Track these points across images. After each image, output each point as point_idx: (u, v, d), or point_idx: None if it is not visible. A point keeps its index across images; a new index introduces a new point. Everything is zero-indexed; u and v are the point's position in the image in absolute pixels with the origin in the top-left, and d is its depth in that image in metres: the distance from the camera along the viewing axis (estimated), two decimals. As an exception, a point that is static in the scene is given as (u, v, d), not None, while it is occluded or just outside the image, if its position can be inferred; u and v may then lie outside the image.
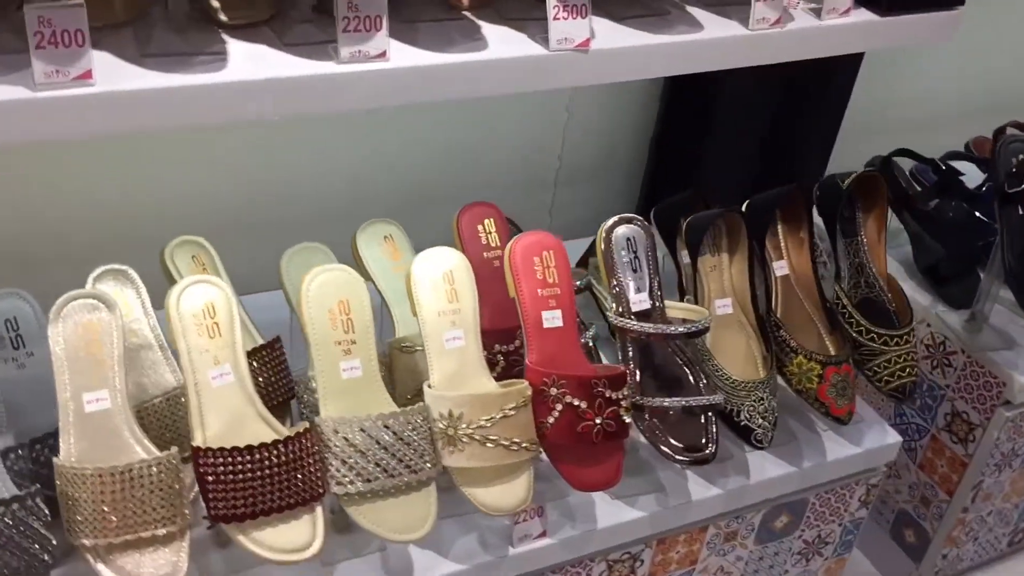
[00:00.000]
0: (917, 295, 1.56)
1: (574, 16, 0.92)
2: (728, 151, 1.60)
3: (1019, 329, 1.52)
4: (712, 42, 1.00)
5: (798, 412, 1.31)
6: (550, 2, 0.91)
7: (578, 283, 1.25)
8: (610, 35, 0.98)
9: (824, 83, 1.59)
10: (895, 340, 1.23)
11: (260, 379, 1.10)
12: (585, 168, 1.70)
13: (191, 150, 1.35)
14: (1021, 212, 1.36)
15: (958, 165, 1.65)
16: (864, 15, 1.10)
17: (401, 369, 1.16)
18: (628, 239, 1.16)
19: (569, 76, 0.95)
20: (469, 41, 0.93)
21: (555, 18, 0.92)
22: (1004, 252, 1.37)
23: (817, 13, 1.07)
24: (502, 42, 0.94)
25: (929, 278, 1.57)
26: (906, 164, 1.67)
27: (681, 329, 1.10)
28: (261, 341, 1.15)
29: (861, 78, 1.69)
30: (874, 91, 1.82)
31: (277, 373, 1.13)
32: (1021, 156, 1.40)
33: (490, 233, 1.26)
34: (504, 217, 1.28)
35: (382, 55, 0.87)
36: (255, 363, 1.10)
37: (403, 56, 0.89)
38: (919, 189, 1.62)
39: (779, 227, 1.28)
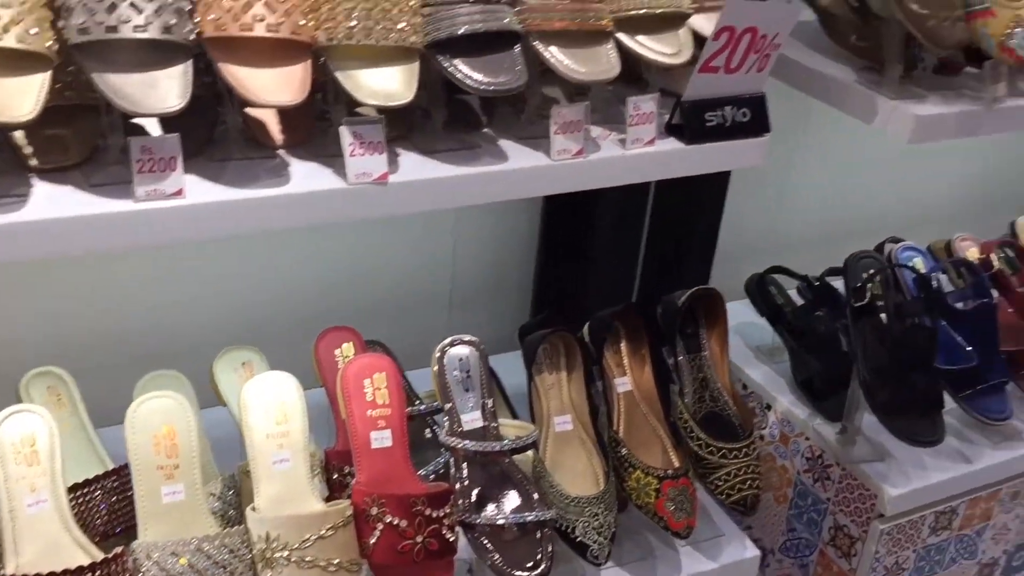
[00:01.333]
0: (796, 409, 1.59)
1: (371, 152, 0.99)
2: (609, 268, 1.66)
3: (891, 440, 1.53)
4: (514, 172, 1.07)
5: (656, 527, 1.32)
6: (345, 140, 0.98)
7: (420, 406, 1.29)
8: (416, 167, 1.04)
9: (695, 204, 1.65)
10: (734, 453, 1.25)
11: (103, 505, 1.13)
12: (478, 288, 1.76)
13: (44, 279, 1.39)
14: (871, 326, 1.40)
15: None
16: (670, 143, 1.16)
17: (248, 493, 1.18)
18: (460, 359, 1.20)
19: (368, 208, 1.01)
20: (272, 177, 0.99)
21: (351, 154, 0.98)
22: (859, 366, 1.40)
23: (624, 143, 1.14)
24: (306, 177, 1.00)
25: (806, 392, 1.60)
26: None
27: (505, 445, 1.13)
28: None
29: (744, 197, 1.76)
30: (756, 211, 1.89)
31: (123, 499, 1.16)
32: (869, 271, 1.45)
33: (346, 357, 1.30)
34: (363, 341, 1.33)
35: (178, 193, 0.93)
36: (99, 490, 1.13)
37: (203, 193, 0.95)
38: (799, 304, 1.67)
39: (621, 344, 1.32)
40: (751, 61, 1.16)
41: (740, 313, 1.71)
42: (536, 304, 1.77)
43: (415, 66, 0.97)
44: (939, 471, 1.48)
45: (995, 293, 1.57)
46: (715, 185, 1.64)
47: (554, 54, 1.05)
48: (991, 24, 1.28)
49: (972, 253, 1.63)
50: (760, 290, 1.66)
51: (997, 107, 1.34)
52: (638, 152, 1.13)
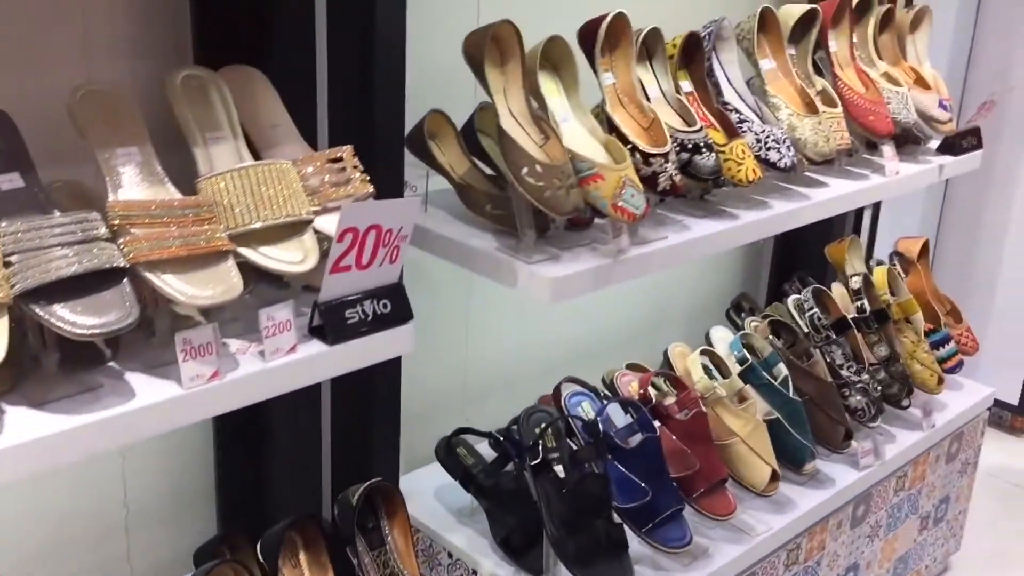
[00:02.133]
0: (500, 570, 1.58)
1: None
2: (290, 468, 1.59)
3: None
4: (141, 412, 1.00)
5: None
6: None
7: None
8: (20, 425, 0.94)
9: (371, 381, 1.64)
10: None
11: None
12: (155, 511, 1.63)
13: None
14: (550, 480, 1.44)
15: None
16: (315, 346, 1.14)
17: None
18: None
19: None
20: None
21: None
22: (546, 521, 1.42)
23: (264, 355, 1.10)
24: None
25: (506, 550, 1.60)
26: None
27: None
28: None
29: (423, 359, 1.77)
30: (439, 369, 1.91)
31: None
32: (542, 426, 1.49)
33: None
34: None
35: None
36: None
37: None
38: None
39: (300, 555, 1.26)
40: (382, 254, 1.17)
41: (440, 476, 1.71)
42: (222, 520, 1.66)
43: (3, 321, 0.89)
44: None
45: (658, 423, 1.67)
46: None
47: (169, 283, 1.00)
48: (601, 187, 1.39)
49: (634, 387, 1.73)
50: (449, 454, 1.66)
51: (623, 258, 1.45)
52: (280, 363, 1.10)
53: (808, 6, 1.86)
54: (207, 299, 1.01)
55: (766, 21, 1.81)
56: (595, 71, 1.54)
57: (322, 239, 1.17)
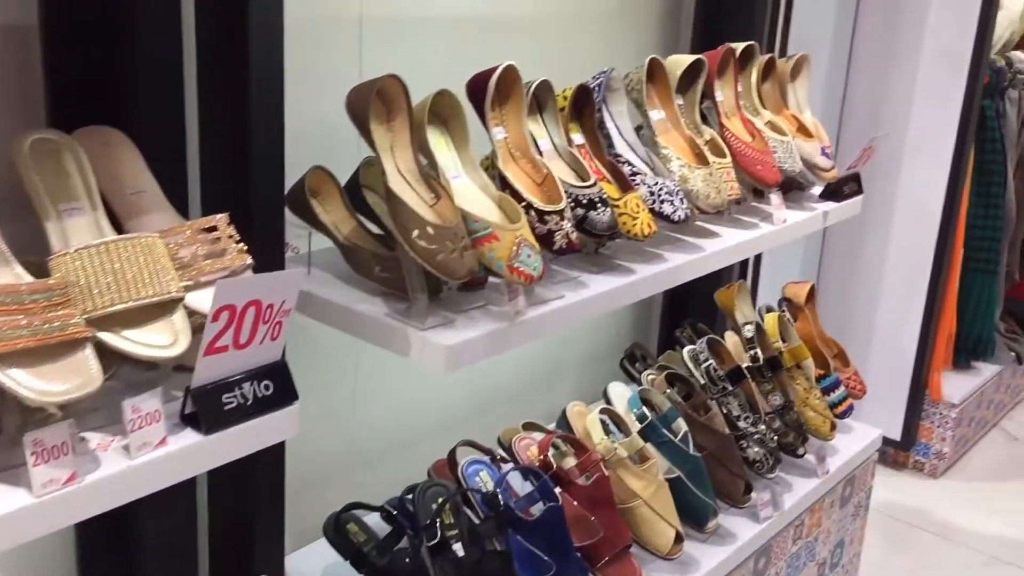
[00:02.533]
0: (397, 654, 1.48)
1: None
2: (167, 564, 1.44)
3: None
4: (-15, 525, 0.87)
5: None
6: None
7: None
8: None
9: (246, 464, 1.52)
10: None
11: None
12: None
13: None
14: (449, 560, 1.35)
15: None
16: (188, 436, 1.03)
17: None
18: None
19: None
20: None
21: None
22: (446, 603, 1.33)
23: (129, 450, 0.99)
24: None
25: (404, 632, 1.50)
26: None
27: None
28: None
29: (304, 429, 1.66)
30: (326, 435, 1.80)
31: None
32: (439, 501, 1.40)
33: None
34: None
35: None
36: None
37: None
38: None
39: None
40: (263, 331, 1.07)
41: (331, 553, 1.59)
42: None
43: None
44: None
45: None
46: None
47: (16, 379, 0.88)
48: (497, 248, 1.32)
49: (533, 452, 1.66)
50: (338, 532, 1.55)
51: (520, 320, 1.38)
52: (148, 459, 0.99)
53: (694, 56, 1.85)
54: (60, 395, 0.89)
55: (654, 71, 1.79)
56: (486, 126, 1.48)
57: (196, 314, 1.06)
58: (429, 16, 1.77)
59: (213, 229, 1.09)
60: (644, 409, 1.79)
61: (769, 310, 2.22)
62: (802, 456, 2.06)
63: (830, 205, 2.10)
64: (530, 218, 1.40)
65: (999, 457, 3.40)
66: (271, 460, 1.43)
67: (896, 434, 3.16)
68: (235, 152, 1.29)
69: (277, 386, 1.10)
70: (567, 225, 1.42)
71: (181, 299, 1.02)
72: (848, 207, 2.16)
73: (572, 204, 1.48)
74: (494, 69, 1.45)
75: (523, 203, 1.40)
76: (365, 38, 1.67)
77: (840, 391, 2.19)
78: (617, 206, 1.55)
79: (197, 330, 1.04)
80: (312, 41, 1.58)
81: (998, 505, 3.07)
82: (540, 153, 1.54)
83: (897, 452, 3.26)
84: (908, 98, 2.99)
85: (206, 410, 1.03)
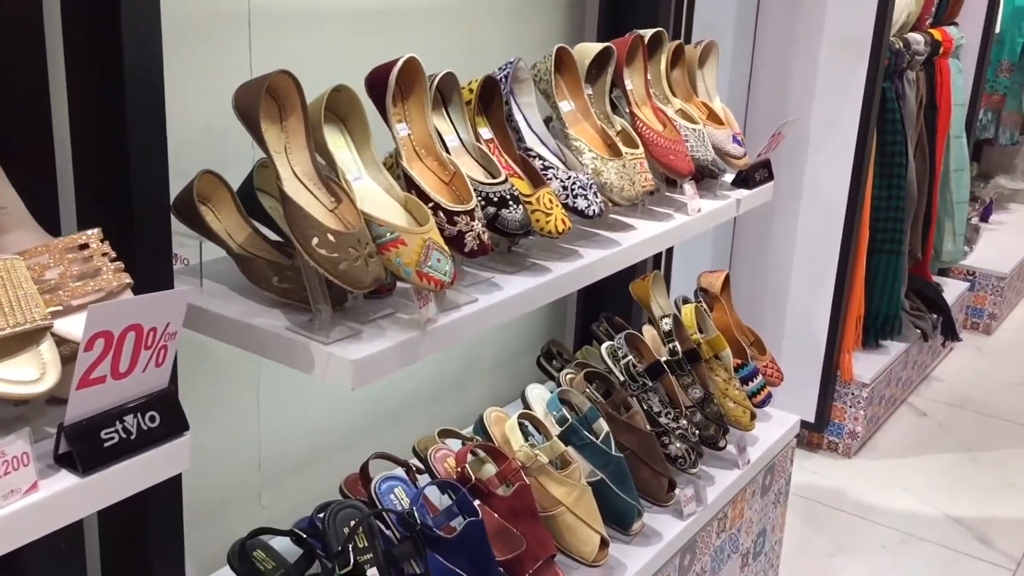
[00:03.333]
0: None
1: None
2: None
3: None
4: None
5: None
6: None
7: None
8: None
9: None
10: None
11: None
12: None
13: None
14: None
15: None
16: (64, 478, 0.92)
17: None
18: None
19: None
20: None
21: None
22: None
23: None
24: None
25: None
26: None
27: None
28: None
29: (205, 450, 1.55)
30: (226, 455, 1.70)
31: None
32: (351, 524, 1.31)
33: None
34: None
35: None
36: None
37: None
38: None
39: None
40: (145, 358, 0.97)
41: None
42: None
43: None
44: None
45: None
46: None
47: None
48: (404, 253, 1.24)
49: (450, 464, 1.58)
50: (243, 561, 1.45)
51: (432, 328, 1.30)
52: (17, 507, 0.88)
53: (603, 44, 1.79)
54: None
55: (562, 61, 1.73)
56: (387, 122, 1.39)
57: (68, 342, 0.95)
58: (323, 7, 1.67)
59: (85, 247, 0.98)
60: (564, 411, 1.73)
61: (686, 301, 2.18)
62: (723, 448, 2.03)
63: (743, 192, 2.07)
64: (438, 219, 1.32)
65: (909, 433, 3.47)
66: (164, 494, 1.32)
67: (810, 416, 3.19)
68: (112, 159, 1.18)
69: (164, 416, 0.99)
70: (478, 225, 1.35)
71: (49, 327, 0.90)
72: (760, 194, 2.13)
73: (483, 203, 1.40)
74: (395, 62, 1.36)
75: (430, 204, 1.32)
76: (255, 32, 1.56)
77: (758, 380, 2.17)
78: (529, 202, 1.48)
79: (71, 359, 0.93)
80: (196, 36, 1.47)
81: (911, 482, 3.12)
82: (447, 150, 1.46)
83: (811, 434, 3.29)
84: (811, 83, 3.00)
85: (82, 449, 0.92)
